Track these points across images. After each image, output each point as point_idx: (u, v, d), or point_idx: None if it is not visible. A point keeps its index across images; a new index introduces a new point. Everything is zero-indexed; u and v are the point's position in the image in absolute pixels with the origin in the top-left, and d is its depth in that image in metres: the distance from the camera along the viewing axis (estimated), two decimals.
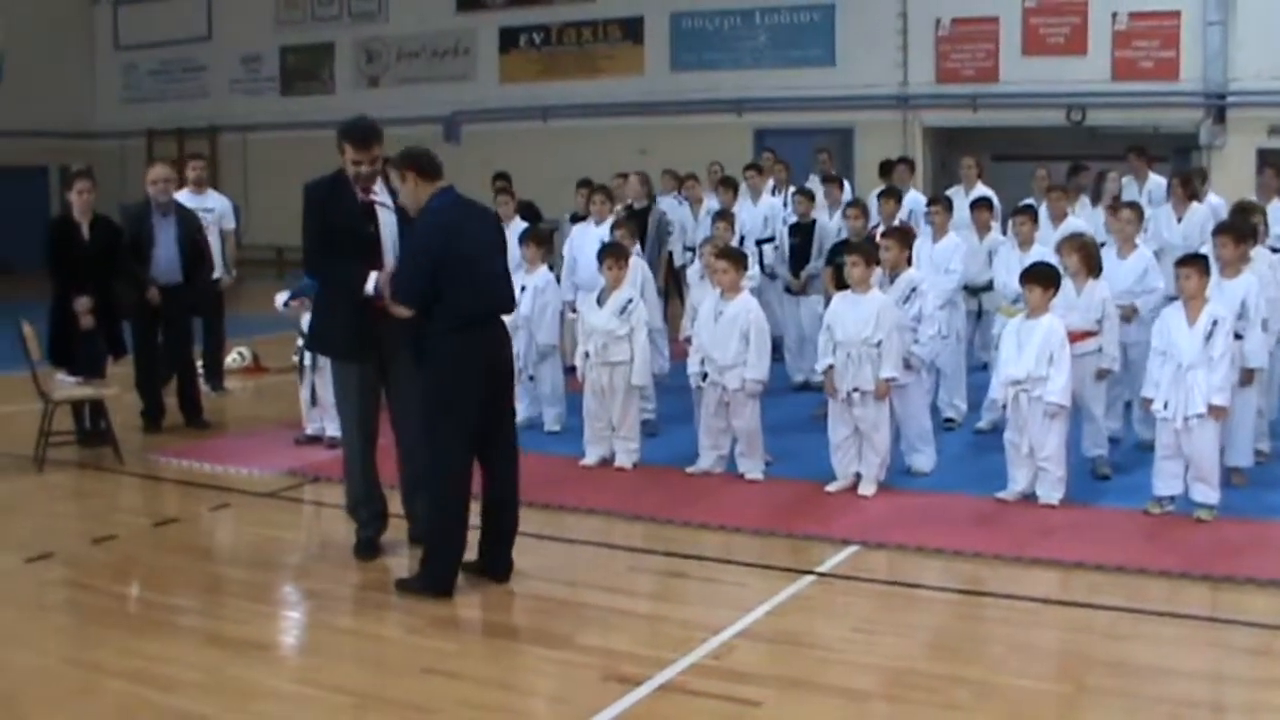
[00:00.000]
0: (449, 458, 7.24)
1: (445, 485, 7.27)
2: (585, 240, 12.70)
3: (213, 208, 13.72)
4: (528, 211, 14.70)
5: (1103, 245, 10.60)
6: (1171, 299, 9.29)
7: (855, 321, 9.32)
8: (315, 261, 7.88)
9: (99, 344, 11.22)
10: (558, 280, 12.18)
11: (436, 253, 7.13)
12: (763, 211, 14.84)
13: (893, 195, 13.27)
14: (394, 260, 7.66)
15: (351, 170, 7.64)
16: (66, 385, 10.74)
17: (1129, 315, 10.12)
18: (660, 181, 17.56)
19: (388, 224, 7.74)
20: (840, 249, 10.99)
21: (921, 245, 11.48)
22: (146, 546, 8.57)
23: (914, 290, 9.87)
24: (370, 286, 7.53)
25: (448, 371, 7.17)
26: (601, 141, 24.58)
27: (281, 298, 10.99)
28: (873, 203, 13.56)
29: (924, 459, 9.89)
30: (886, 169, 16.05)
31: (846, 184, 16.41)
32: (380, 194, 7.75)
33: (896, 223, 12.13)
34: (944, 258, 11.53)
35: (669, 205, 16.37)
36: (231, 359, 15.02)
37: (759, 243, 14.14)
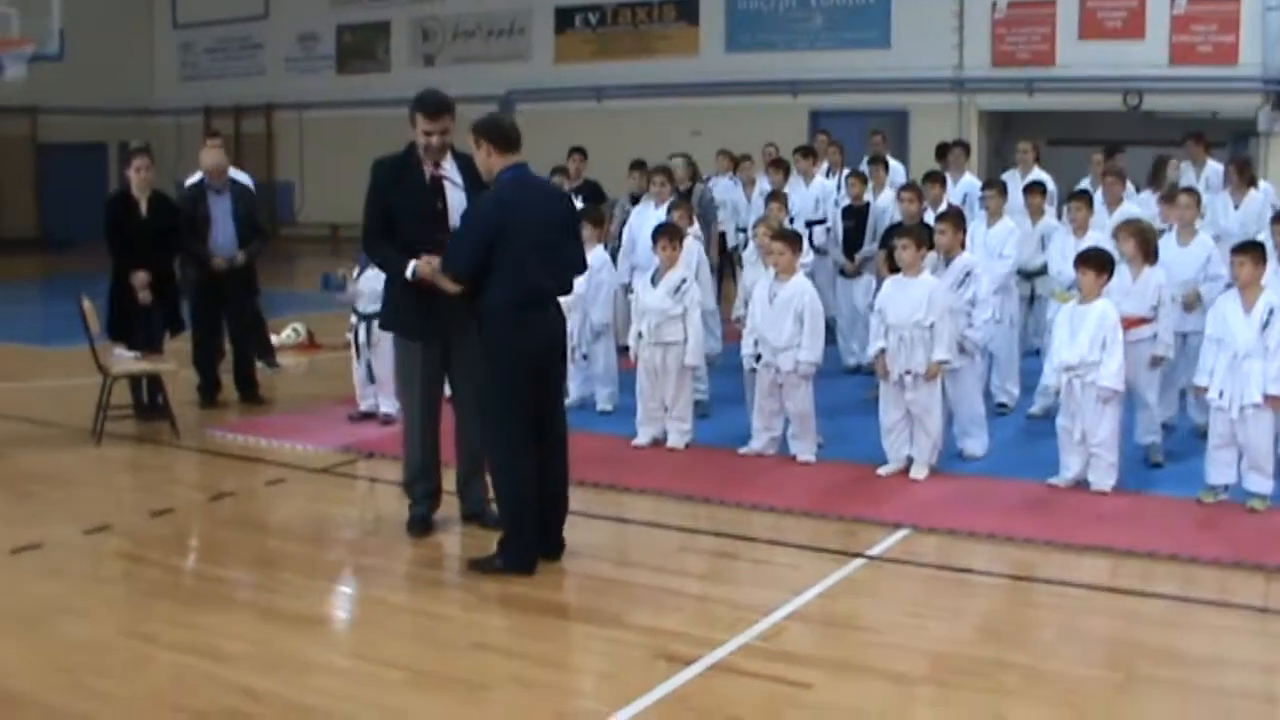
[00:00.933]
0: (511, 437, 7.27)
1: (511, 466, 7.31)
2: (644, 222, 12.62)
3: (246, 185, 13.48)
4: (591, 191, 14.67)
5: (1160, 233, 10.52)
6: (1230, 286, 9.20)
7: (906, 304, 9.29)
8: (369, 242, 7.96)
9: (157, 320, 11.33)
10: (613, 260, 12.20)
11: (493, 227, 7.16)
12: (814, 194, 14.75)
13: (937, 179, 13.12)
14: None
15: (423, 141, 7.69)
16: (125, 360, 10.84)
17: (1192, 303, 10.04)
18: (715, 162, 17.54)
19: (456, 201, 7.75)
20: (894, 232, 10.93)
21: (976, 229, 11.43)
22: (202, 520, 8.67)
23: (968, 274, 9.82)
24: (409, 272, 7.59)
25: (504, 352, 7.20)
26: (655, 122, 24.61)
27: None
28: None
29: (976, 443, 9.85)
30: (942, 152, 15.97)
31: (897, 165, 16.35)
32: (450, 170, 7.78)
33: (946, 206, 12.04)
34: (998, 242, 11.45)
35: (724, 186, 16.36)
36: (286, 335, 15.12)
37: (809, 224, 14.11)
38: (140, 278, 11.07)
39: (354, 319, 11.07)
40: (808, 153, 15.64)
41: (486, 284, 7.22)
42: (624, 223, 13.52)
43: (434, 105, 7.71)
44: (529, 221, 7.23)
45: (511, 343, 7.20)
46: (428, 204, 7.74)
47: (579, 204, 13.05)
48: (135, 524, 8.36)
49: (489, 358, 7.29)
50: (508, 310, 7.20)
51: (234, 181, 12.26)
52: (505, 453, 7.33)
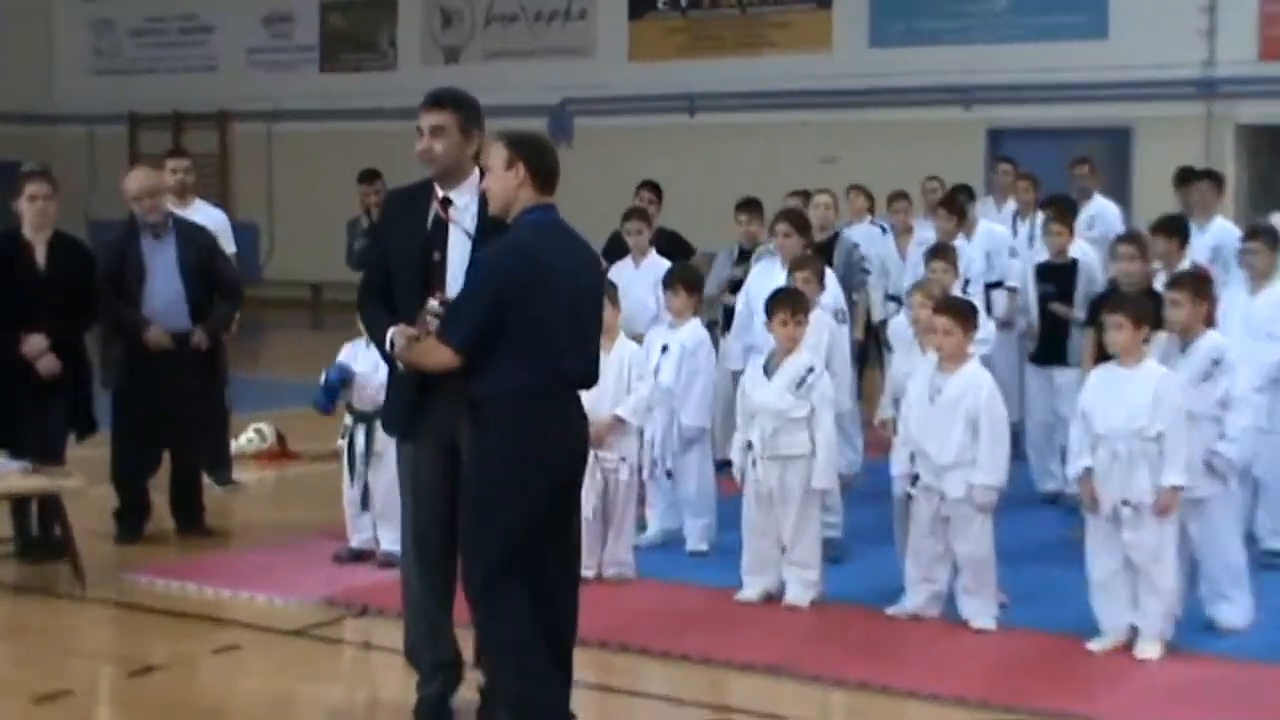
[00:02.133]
0: (503, 578, 7.20)
1: (516, 623, 7.24)
2: (766, 286, 12.54)
3: (201, 226, 13.05)
4: (670, 244, 14.63)
5: None
6: None
7: (1122, 406, 9.23)
8: (359, 297, 8.01)
9: (56, 415, 11.33)
10: (713, 339, 12.21)
11: (511, 284, 7.13)
12: (981, 246, 14.75)
13: (1172, 229, 12.85)
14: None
15: (417, 145, 7.78)
16: (8, 473, 10.82)
17: None
18: (849, 201, 17.53)
19: (459, 255, 7.68)
20: (1104, 304, 10.83)
21: (1232, 298, 11.38)
22: (115, 708, 8.70)
23: (1217, 363, 9.77)
24: (388, 343, 7.58)
25: (520, 460, 7.18)
26: (770, 145, 24.74)
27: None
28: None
29: (1234, 610, 9.75)
30: (1185, 180, 15.73)
31: (1110, 207, 16.28)
32: (464, 212, 7.77)
33: (1188, 265, 11.98)
34: (1266, 317, 11.37)
35: (864, 235, 16.35)
36: (246, 439, 15.19)
37: (988, 287, 14.16)
38: (35, 341, 10.96)
39: (348, 419, 11.10)
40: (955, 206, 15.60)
41: (493, 363, 7.19)
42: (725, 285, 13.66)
43: (433, 95, 7.82)
44: (560, 284, 7.24)
45: (532, 446, 7.18)
46: (421, 253, 7.74)
47: (657, 258, 13.19)
48: (13, 716, 8.35)
49: (493, 467, 7.23)
50: (527, 400, 7.18)
51: (179, 220, 12.21)
52: (505, 606, 7.24)
